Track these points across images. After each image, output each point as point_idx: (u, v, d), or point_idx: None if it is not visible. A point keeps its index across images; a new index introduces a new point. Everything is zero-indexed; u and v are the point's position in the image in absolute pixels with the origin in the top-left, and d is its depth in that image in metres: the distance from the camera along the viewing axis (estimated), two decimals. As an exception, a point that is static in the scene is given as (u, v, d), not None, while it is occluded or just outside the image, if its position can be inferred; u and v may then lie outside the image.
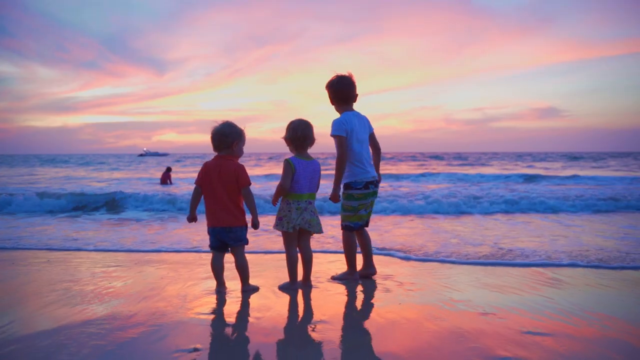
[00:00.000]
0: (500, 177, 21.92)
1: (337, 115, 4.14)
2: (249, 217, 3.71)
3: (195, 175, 3.78)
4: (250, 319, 3.17)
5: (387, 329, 2.92)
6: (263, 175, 25.22)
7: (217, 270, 3.80)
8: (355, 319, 3.20)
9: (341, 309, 3.40)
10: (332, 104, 4.20)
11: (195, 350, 2.61)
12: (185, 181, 19.87)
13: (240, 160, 3.83)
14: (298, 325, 3.07)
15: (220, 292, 3.82)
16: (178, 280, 4.25)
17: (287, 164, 3.75)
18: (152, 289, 3.94)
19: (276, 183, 4.04)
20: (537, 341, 2.70)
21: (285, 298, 3.67)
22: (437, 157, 62.77)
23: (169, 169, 19.07)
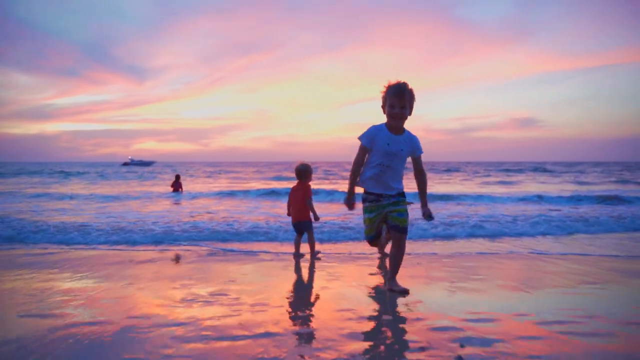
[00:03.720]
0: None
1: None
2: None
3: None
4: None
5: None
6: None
7: (297, 243, 5.86)
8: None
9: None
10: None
11: None
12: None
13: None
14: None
15: (297, 255, 5.77)
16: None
17: None
18: None
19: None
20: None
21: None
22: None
23: (178, 177, 19.55)
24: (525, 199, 14.88)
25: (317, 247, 6.28)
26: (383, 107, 3.89)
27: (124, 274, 4.89)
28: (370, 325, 3.23)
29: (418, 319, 3.33)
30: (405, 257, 4.78)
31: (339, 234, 7.60)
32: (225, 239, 7.28)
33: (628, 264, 5.48)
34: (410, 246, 6.35)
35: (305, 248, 5.99)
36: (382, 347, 2.82)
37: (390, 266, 4.04)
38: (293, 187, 5.86)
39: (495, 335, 2.98)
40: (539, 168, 54.14)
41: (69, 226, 8.21)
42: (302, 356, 2.68)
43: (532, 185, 24.62)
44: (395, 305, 3.70)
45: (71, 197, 16.49)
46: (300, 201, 5.70)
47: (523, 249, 6.46)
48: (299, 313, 3.52)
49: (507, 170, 48.23)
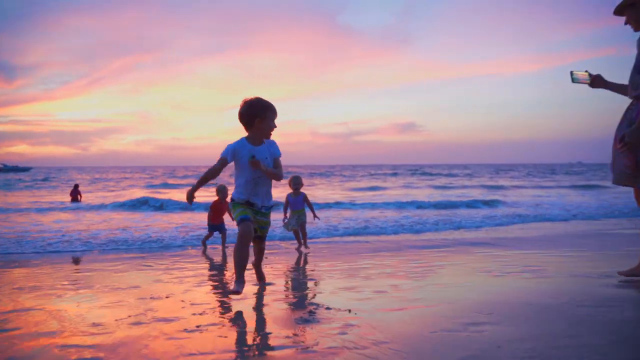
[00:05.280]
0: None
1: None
2: None
3: None
4: None
5: None
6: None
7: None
8: None
9: None
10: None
11: None
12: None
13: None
14: None
15: None
16: None
17: None
18: None
19: None
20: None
21: None
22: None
23: (77, 186, 19.17)
24: (364, 206, 14.55)
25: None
26: (253, 122, 3.59)
27: None
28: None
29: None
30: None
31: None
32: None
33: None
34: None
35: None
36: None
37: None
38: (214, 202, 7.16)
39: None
40: (418, 171, 57.83)
41: None
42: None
43: (393, 191, 24.93)
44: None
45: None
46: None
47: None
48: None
49: (384, 174, 51.01)
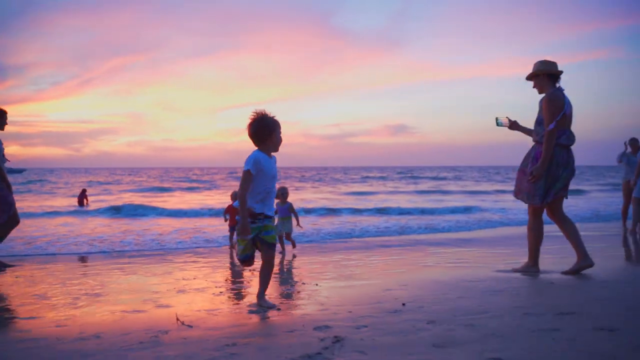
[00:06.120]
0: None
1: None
2: None
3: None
4: None
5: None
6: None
7: None
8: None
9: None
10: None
11: None
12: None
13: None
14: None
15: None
16: None
17: None
18: None
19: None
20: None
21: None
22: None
23: (84, 191, 20.08)
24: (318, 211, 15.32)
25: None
26: (265, 136, 3.77)
27: None
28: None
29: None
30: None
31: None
32: None
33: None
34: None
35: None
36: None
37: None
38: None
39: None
40: (407, 174, 59.53)
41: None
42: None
43: (378, 196, 25.73)
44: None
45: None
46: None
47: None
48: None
49: (371, 178, 52.63)
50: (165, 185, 37.34)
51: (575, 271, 4.89)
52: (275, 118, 3.81)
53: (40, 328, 3.43)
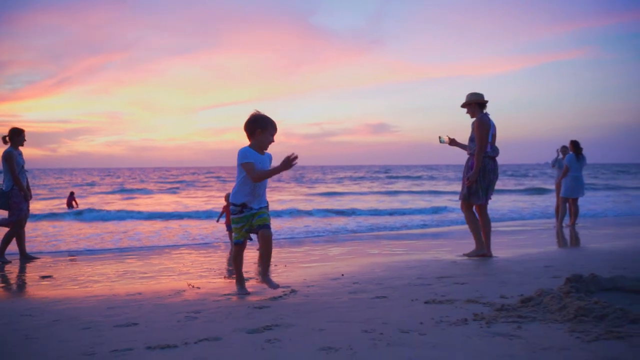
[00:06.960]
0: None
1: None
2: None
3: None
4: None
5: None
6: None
7: None
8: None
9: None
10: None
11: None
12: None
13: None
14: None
15: None
16: None
17: None
18: None
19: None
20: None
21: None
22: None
23: (72, 194, 20.77)
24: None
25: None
26: (255, 133, 4.08)
27: None
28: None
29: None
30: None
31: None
32: None
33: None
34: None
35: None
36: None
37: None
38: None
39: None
40: (385, 174, 61.42)
41: None
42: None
43: (350, 197, 27.26)
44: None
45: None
46: None
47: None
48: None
49: (350, 177, 54.37)
50: (146, 186, 38.85)
51: (472, 255, 6.57)
52: (270, 119, 4.09)
53: (98, 290, 5.09)
